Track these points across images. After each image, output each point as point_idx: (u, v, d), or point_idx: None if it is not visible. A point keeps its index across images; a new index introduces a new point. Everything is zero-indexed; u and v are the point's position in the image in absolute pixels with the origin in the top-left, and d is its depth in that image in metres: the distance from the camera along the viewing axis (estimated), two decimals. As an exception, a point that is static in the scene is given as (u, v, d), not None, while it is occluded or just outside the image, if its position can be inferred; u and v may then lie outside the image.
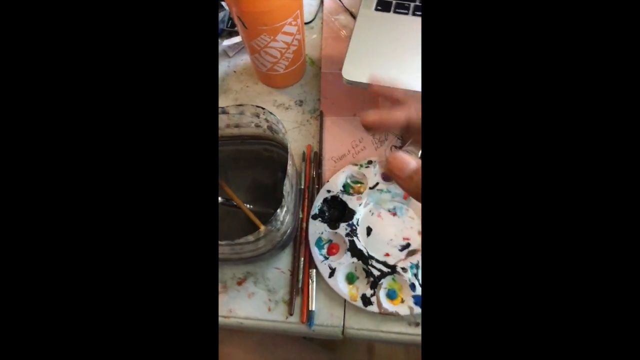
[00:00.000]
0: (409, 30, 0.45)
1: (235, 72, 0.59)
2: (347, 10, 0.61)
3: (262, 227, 0.36)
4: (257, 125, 0.45)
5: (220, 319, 0.44)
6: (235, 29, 0.59)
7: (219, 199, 0.44)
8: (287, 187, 0.38)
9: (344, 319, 0.43)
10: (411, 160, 0.27)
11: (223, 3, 0.58)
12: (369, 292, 0.43)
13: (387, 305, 0.42)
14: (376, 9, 0.47)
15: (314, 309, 0.43)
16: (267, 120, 0.43)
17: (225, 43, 0.59)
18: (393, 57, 0.43)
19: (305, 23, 0.61)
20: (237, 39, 0.59)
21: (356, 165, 0.49)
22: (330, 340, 0.44)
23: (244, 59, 0.59)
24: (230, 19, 0.60)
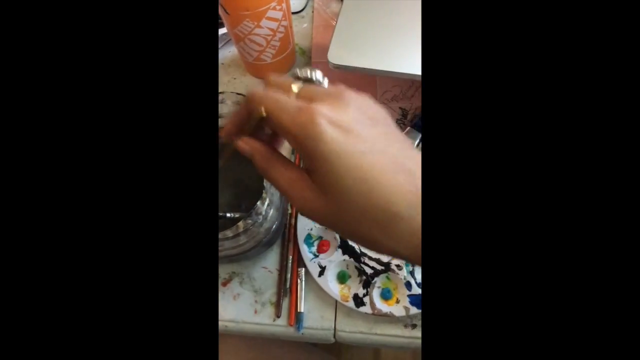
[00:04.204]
0: (398, 11, 0.42)
1: (222, 64, 0.56)
2: (338, -3, 0.58)
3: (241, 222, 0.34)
4: (240, 116, 0.42)
5: (203, 323, 0.41)
6: (222, 20, 0.57)
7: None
8: (269, 179, 0.36)
9: (335, 321, 0.40)
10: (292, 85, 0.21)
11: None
12: (361, 291, 0.40)
13: (381, 305, 0.39)
14: (365, -9, 0.44)
15: (302, 310, 0.40)
16: (249, 109, 0.40)
17: (212, 35, 0.57)
18: (381, 39, 0.41)
19: (296, 12, 0.59)
20: (223, 30, 0.56)
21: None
22: (334, 343, 0.41)
23: (232, 50, 0.57)
24: (217, 9, 0.58)
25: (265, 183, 0.35)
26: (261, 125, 0.23)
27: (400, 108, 0.50)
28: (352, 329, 0.40)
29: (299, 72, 0.22)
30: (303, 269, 0.42)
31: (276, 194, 0.39)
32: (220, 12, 0.45)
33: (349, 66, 0.40)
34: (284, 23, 0.46)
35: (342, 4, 0.44)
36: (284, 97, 0.21)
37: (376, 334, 0.39)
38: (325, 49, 0.51)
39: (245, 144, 0.23)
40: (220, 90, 0.53)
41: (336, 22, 0.43)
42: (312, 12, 0.58)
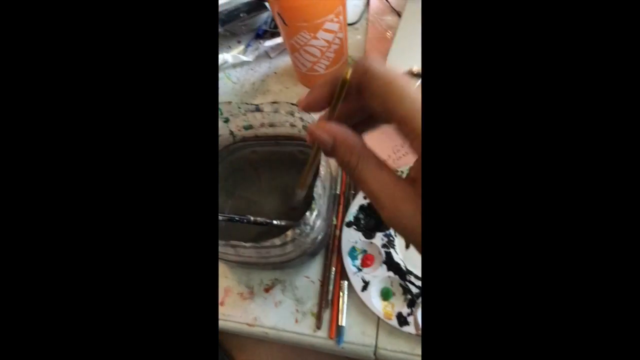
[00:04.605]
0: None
1: (275, 73, 0.57)
2: (394, 10, 0.58)
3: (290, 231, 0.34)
4: (292, 125, 0.43)
5: (244, 327, 0.42)
6: (278, 29, 0.58)
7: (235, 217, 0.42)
8: (319, 189, 0.36)
9: (376, 338, 0.39)
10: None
11: (266, 3, 0.57)
12: (405, 310, 0.39)
13: (426, 326, 0.38)
14: (424, 4, 0.44)
15: (343, 324, 0.40)
16: (302, 119, 0.41)
17: (267, 44, 0.58)
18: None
19: (350, 24, 0.59)
20: (279, 40, 0.58)
21: (397, 171, 0.45)
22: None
23: (286, 60, 0.58)
24: (272, 19, 0.59)
25: (315, 193, 0.35)
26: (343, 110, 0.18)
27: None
28: (394, 348, 0.39)
29: (415, 69, 0.19)
30: (346, 282, 0.41)
31: (324, 205, 0.39)
32: (278, 22, 0.46)
33: (405, 80, 0.39)
34: (339, 35, 0.46)
35: (400, 17, 0.44)
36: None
37: (419, 355, 0.38)
38: (378, 61, 0.51)
39: (324, 132, 0.18)
40: (273, 100, 0.54)
41: (394, 34, 0.42)
42: (367, 24, 0.58)
